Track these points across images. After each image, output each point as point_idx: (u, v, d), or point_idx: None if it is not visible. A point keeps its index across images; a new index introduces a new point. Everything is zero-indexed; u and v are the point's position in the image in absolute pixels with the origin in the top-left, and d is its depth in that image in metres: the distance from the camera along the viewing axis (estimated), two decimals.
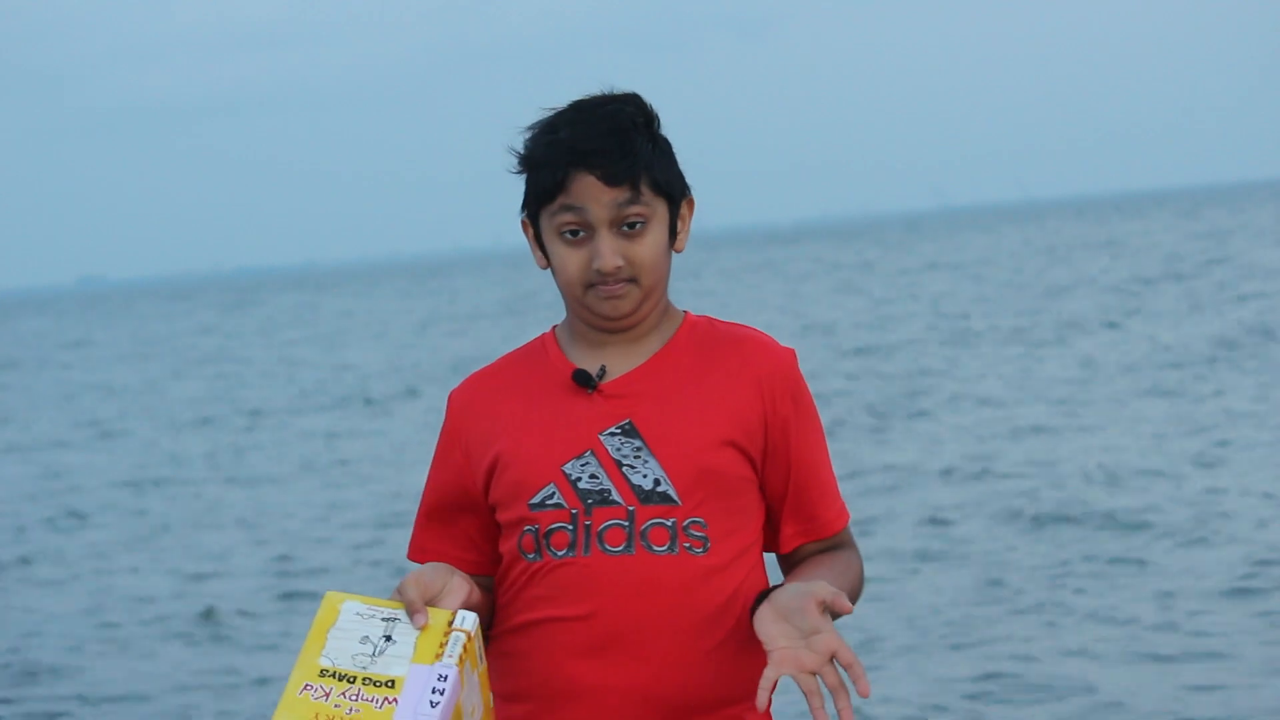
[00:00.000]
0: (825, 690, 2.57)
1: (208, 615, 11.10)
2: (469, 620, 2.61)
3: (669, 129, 2.87)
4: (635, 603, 2.74)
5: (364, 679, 2.54)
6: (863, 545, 4.46)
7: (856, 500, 12.81)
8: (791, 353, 2.88)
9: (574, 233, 2.79)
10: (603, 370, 2.85)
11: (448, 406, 2.95)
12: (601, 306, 2.81)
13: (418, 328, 49.00)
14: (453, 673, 2.55)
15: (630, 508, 2.77)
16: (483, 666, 2.66)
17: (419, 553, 2.93)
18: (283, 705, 2.52)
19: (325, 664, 2.56)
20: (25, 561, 13.90)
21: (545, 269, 2.87)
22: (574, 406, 2.83)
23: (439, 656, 2.56)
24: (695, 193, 2.90)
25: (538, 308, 52.07)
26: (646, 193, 2.80)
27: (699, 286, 55.48)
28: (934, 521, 12.21)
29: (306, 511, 15.51)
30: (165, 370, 39.27)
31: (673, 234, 2.86)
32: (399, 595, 2.64)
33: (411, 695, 2.53)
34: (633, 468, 2.78)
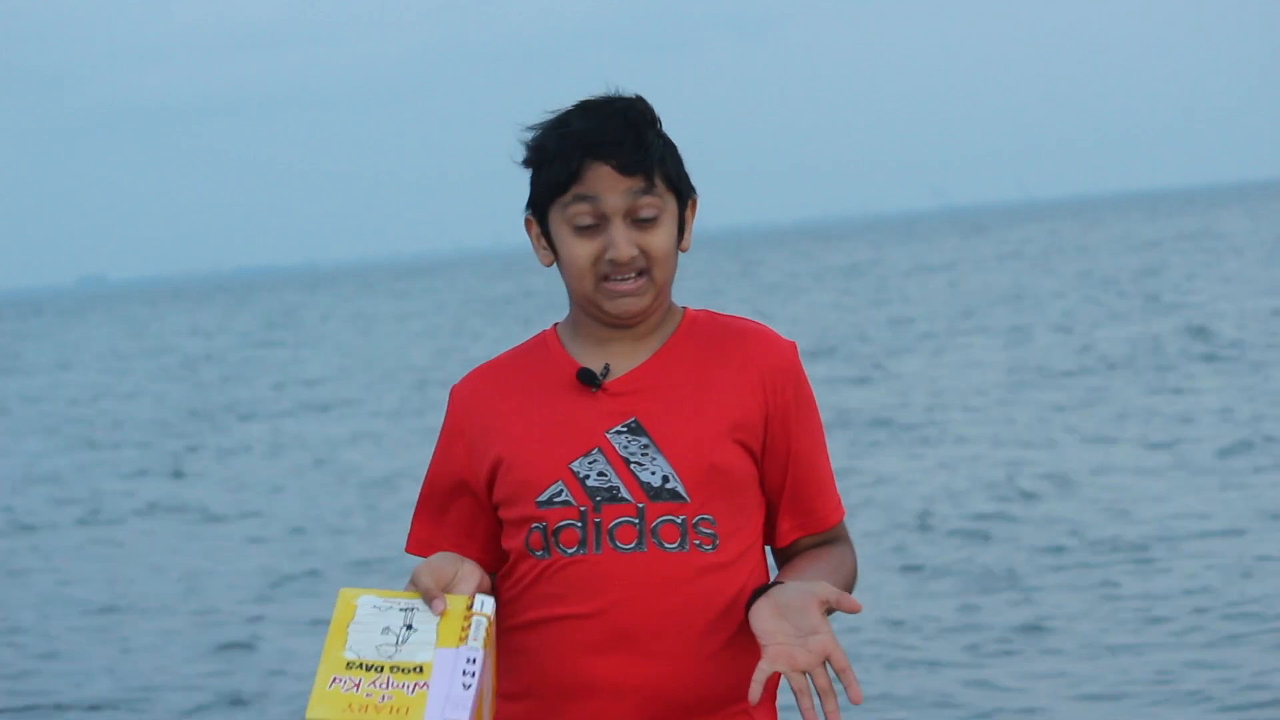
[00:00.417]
0: (814, 693, 2.57)
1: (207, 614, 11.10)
2: (488, 605, 2.63)
3: (669, 129, 2.87)
4: (647, 600, 2.74)
5: (391, 667, 2.56)
6: None
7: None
8: (793, 345, 2.88)
9: (587, 225, 2.78)
10: (606, 369, 2.84)
11: (449, 401, 2.93)
12: (613, 306, 2.80)
13: (412, 327, 48.98)
14: (480, 655, 2.57)
15: (640, 504, 2.76)
16: (494, 652, 2.68)
17: (418, 545, 2.92)
18: (314, 699, 2.53)
19: (350, 657, 2.57)
20: None
21: (550, 265, 2.86)
22: (579, 405, 2.82)
23: (463, 640, 2.58)
24: (695, 192, 2.89)
25: (530, 309, 52.05)
26: (659, 185, 2.80)
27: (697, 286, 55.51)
28: None
29: (302, 512, 15.50)
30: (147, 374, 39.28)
31: (680, 232, 2.85)
32: (413, 585, 2.64)
33: (442, 678, 2.55)
34: (641, 465, 2.78)
